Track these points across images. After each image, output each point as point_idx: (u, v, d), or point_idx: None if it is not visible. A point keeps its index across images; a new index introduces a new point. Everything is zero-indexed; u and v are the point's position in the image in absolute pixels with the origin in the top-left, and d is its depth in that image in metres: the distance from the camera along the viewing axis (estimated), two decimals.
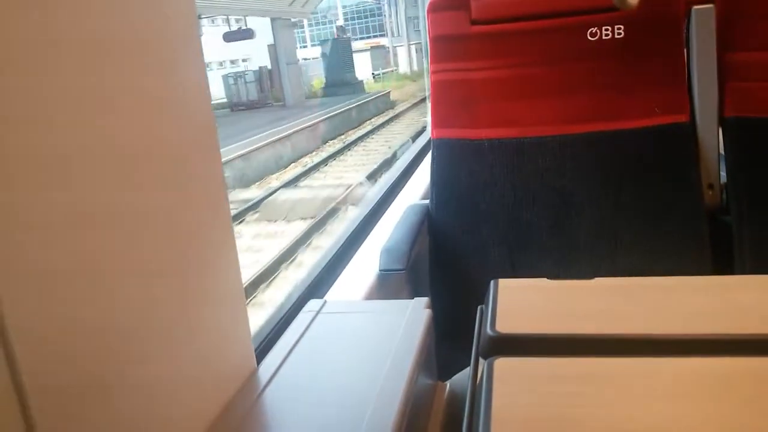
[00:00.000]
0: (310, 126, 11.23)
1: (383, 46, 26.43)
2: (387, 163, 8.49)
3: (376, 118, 14.25)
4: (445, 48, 1.17)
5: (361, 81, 18.14)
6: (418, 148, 2.03)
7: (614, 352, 0.47)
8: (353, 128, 12.88)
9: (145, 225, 0.43)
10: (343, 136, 12.02)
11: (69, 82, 0.37)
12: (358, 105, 14.36)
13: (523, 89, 1.13)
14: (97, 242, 0.38)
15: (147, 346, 0.43)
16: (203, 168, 0.51)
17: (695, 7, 1.14)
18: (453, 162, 1.17)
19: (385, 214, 1.37)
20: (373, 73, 22.28)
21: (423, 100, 14.70)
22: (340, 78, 17.51)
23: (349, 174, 8.59)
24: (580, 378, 0.44)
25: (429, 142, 1.24)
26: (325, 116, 12.27)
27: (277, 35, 14.68)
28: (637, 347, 0.48)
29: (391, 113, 14.65)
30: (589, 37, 1.09)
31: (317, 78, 18.94)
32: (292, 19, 15.41)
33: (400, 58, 23.37)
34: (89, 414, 0.38)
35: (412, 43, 23.83)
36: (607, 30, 1.08)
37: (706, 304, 0.52)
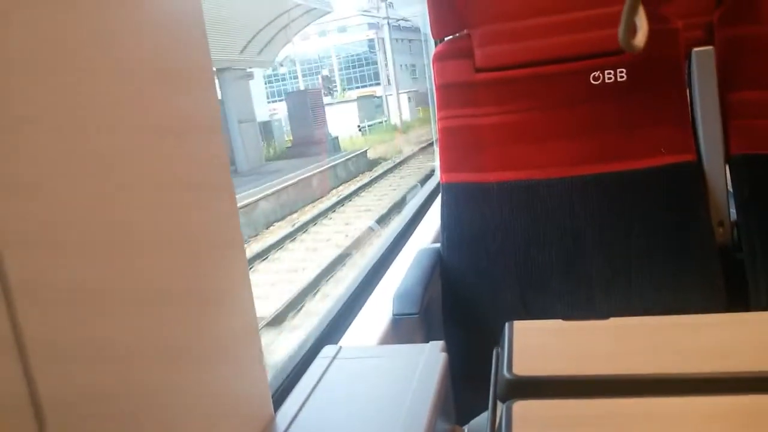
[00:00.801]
0: (247, 205, 7.94)
1: (373, 95, 25.06)
2: (330, 274, 5.45)
3: (345, 185, 11.27)
4: (452, 95, 1.19)
5: (336, 138, 15.54)
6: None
7: (632, 393, 0.46)
8: (309, 203, 9.64)
9: (159, 270, 0.44)
10: (294, 215, 8.85)
11: (103, 102, 0.38)
12: (326, 169, 11.45)
13: (529, 133, 1.15)
14: (113, 288, 0.39)
15: (160, 396, 0.43)
16: (218, 207, 0.52)
17: (695, 49, 1.17)
18: (462, 205, 1.18)
19: (396, 259, 1.38)
20: (359, 126, 19.80)
21: (413, 156, 13.77)
22: (309, 135, 15.03)
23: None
24: (598, 420, 0.44)
25: (438, 186, 1.25)
26: (276, 187, 9.06)
27: (225, 88, 11.85)
28: (655, 387, 0.47)
29: (367, 177, 11.86)
30: (593, 81, 1.12)
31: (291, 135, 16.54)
32: (248, 69, 12.76)
33: (393, 107, 22.08)
34: None
35: (403, 91, 23.07)
36: (609, 74, 1.11)
37: (722, 342, 0.52)
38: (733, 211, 1.14)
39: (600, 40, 1.10)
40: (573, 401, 0.46)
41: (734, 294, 1.07)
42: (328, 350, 0.68)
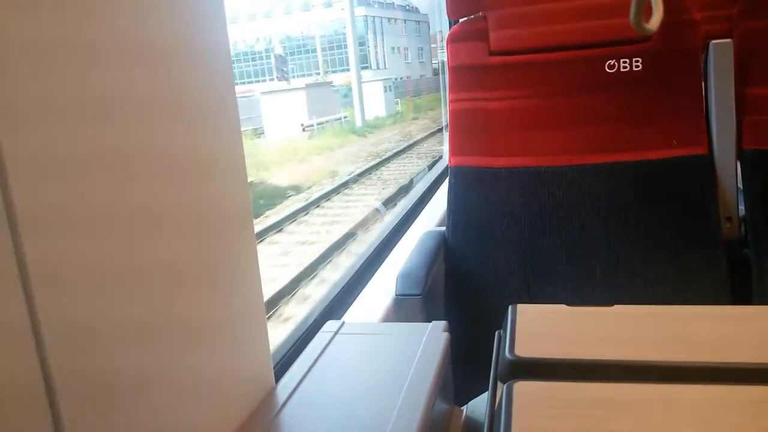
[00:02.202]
0: None
1: (329, 83, 19.07)
2: None
3: None
4: (464, 77, 1.19)
5: None
6: None
7: (633, 378, 0.47)
8: None
9: (168, 240, 0.44)
10: None
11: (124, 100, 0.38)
12: None
13: (541, 119, 1.15)
14: (123, 256, 0.39)
15: (165, 362, 0.43)
16: (230, 187, 0.52)
17: (713, 41, 1.15)
18: (470, 189, 1.18)
19: (401, 241, 1.38)
20: (303, 125, 13.54)
21: (351, 188, 7.41)
22: None
23: None
24: (598, 403, 0.44)
25: (446, 169, 1.25)
26: None
27: None
28: (655, 374, 0.48)
29: None
30: (608, 69, 1.11)
31: None
32: None
33: (373, 97, 16.99)
34: (111, 428, 0.38)
35: (375, 79, 19.12)
36: (625, 62, 1.10)
37: (725, 333, 0.52)
38: (742, 206, 1.13)
39: (617, 27, 1.09)
40: (573, 384, 0.46)
41: (739, 289, 1.07)
42: (330, 325, 0.69)
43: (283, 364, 0.69)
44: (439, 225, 1.40)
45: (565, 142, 1.14)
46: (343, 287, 1.13)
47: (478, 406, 0.69)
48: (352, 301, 1.05)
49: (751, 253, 1.10)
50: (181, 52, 0.45)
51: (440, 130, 11.05)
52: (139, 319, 0.40)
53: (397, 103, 19.12)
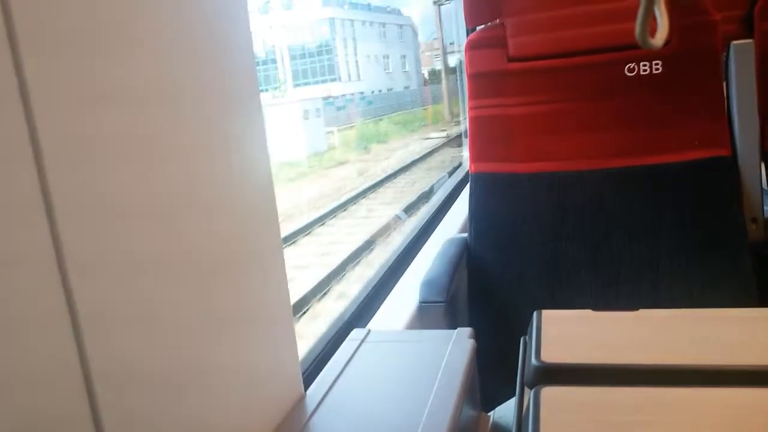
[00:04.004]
0: None
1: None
2: None
3: None
4: (483, 84, 1.19)
5: None
6: None
7: (660, 382, 0.47)
8: None
9: (198, 253, 0.45)
10: None
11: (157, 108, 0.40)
12: None
13: (561, 124, 1.15)
14: (155, 271, 0.41)
15: (198, 372, 0.45)
16: (256, 193, 0.53)
17: (734, 42, 1.15)
18: (491, 196, 1.18)
19: (423, 248, 1.39)
20: None
21: None
22: None
23: None
24: (626, 407, 0.44)
25: (467, 175, 1.26)
26: None
27: None
28: (682, 377, 0.48)
29: None
30: (627, 73, 1.10)
31: None
32: None
33: (294, 126, 11.91)
34: (146, 422, 0.39)
35: (302, 99, 13.93)
36: (645, 65, 1.09)
37: (752, 335, 0.52)
38: (767, 208, 1.12)
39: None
40: (601, 389, 0.46)
41: (765, 291, 1.05)
42: (356, 333, 0.70)
43: (310, 373, 0.69)
44: (461, 232, 1.40)
45: (586, 147, 1.14)
46: (366, 296, 1.14)
47: (505, 412, 0.69)
48: (376, 310, 1.06)
49: None
50: (204, 47, 0.47)
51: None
52: (169, 332, 0.42)
53: (332, 133, 14.65)
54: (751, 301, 1.04)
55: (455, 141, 12.73)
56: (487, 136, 1.19)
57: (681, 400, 0.44)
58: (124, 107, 0.38)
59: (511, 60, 1.16)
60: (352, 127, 17.13)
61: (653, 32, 0.68)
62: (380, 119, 18.77)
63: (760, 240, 1.11)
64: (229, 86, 0.49)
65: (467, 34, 1.28)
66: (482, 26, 1.21)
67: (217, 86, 0.48)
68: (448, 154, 11.92)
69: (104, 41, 0.37)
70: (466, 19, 1.21)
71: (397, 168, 10.26)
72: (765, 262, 1.08)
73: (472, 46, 1.19)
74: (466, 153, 1.29)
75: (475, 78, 1.20)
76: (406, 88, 25.31)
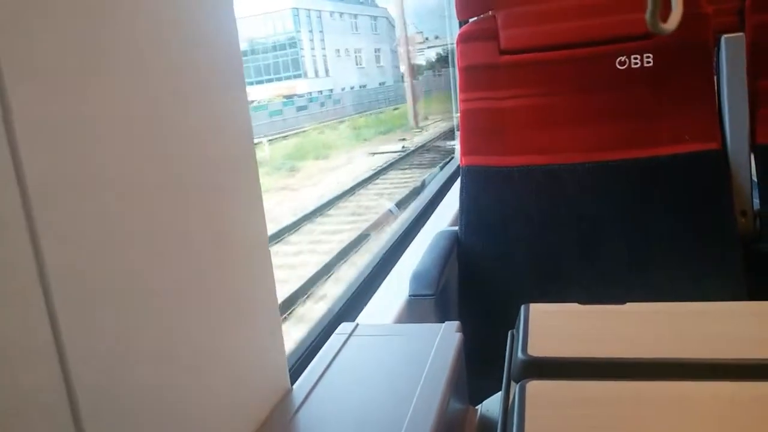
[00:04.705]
0: None
1: None
2: None
3: None
4: (475, 77, 1.19)
5: None
6: None
7: (646, 376, 0.47)
8: None
9: (184, 244, 0.45)
10: None
11: (127, 105, 0.39)
12: None
13: (552, 117, 1.15)
14: (140, 260, 0.40)
15: (182, 365, 0.44)
16: (241, 187, 0.53)
17: (725, 35, 1.15)
18: (482, 189, 1.18)
19: (414, 241, 1.38)
20: None
21: None
22: None
23: None
24: (612, 401, 0.44)
25: (458, 168, 1.25)
26: None
27: None
28: (669, 371, 0.48)
29: None
30: (618, 66, 1.10)
31: None
32: None
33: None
34: (127, 423, 0.39)
35: None
36: (636, 59, 1.09)
37: (739, 329, 0.52)
38: (756, 201, 1.12)
39: (627, 23, 1.08)
40: (587, 382, 0.46)
41: (755, 285, 1.06)
42: (344, 327, 0.69)
43: (298, 367, 0.69)
44: (452, 225, 1.40)
45: (577, 140, 1.13)
46: (356, 289, 1.14)
47: (492, 405, 0.69)
48: (366, 303, 1.05)
49: (766, 248, 1.09)
50: (191, 56, 0.46)
51: None
52: (153, 325, 0.41)
53: (260, 146, 10.40)
54: (740, 295, 1.04)
55: (416, 157, 9.87)
56: (478, 129, 1.19)
57: (668, 394, 0.44)
58: (106, 88, 0.37)
59: (502, 53, 1.16)
60: (287, 136, 13.74)
61: (664, 17, 0.67)
62: (342, 121, 15.92)
63: (749, 233, 1.11)
64: (215, 99, 0.49)
65: (459, 27, 1.28)
66: (474, 18, 1.20)
67: (210, 117, 0.48)
68: (398, 180, 8.14)
69: (88, 21, 0.36)
70: (457, 12, 1.21)
71: (305, 213, 6.55)
72: (754, 256, 1.09)
73: (463, 39, 1.18)
74: (457, 147, 1.28)
75: (467, 71, 1.19)
76: (381, 84, 23.15)
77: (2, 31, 0.31)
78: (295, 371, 0.61)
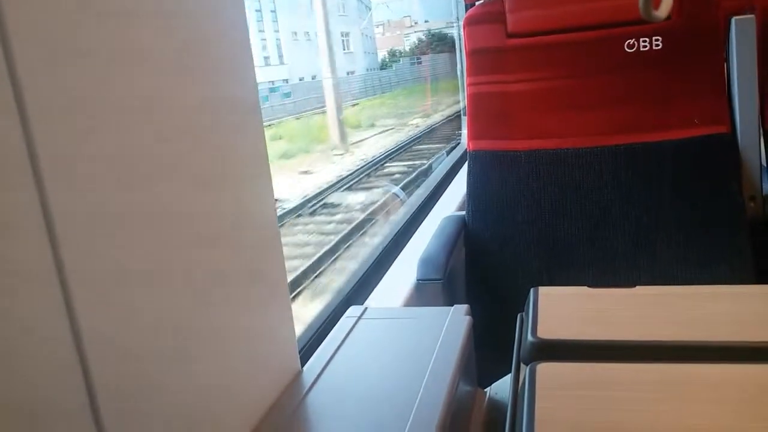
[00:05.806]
0: None
1: None
2: None
3: None
4: (482, 61, 1.18)
5: None
6: None
7: (655, 358, 0.47)
8: None
9: (196, 227, 0.45)
10: None
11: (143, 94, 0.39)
12: None
13: (559, 101, 1.14)
14: (153, 244, 0.40)
15: (196, 347, 0.45)
16: (251, 172, 0.53)
17: (735, 17, 1.13)
18: (489, 173, 1.18)
19: (421, 226, 1.39)
20: None
21: None
22: None
23: None
24: (621, 383, 0.45)
25: (465, 153, 1.25)
26: None
27: None
28: (678, 353, 0.48)
29: None
30: (627, 49, 1.09)
31: None
32: None
33: None
34: (146, 410, 0.40)
35: None
36: (644, 42, 1.08)
37: (748, 312, 0.52)
38: (766, 185, 1.12)
39: (636, 6, 1.07)
40: (596, 365, 0.47)
41: (763, 269, 1.05)
42: (353, 310, 0.70)
43: (307, 350, 0.70)
44: (459, 210, 1.40)
45: (585, 124, 1.13)
46: (364, 273, 1.14)
47: (501, 388, 0.69)
48: (374, 287, 1.06)
49: None
50: (203, 54, 0.46)
51: None
52: (168, 309, 0.41)
53: None
54: (748, 278, 1.04)
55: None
56: (485, 113, 1.18)
57: (677, 376, 0.45)
58: (113, 69, 0.37)
59: (510, 36, 1.15)
60: None
61: (656, 4, 0.67)
62: (270, 125, 10.83)
63: (758, 217, 1.11)
64: (230, 100, 0.49)
65: (466, 10, 1.27)
66: (481, 1, 1.19)
67: (220, 99, 0.48)
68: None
69: (104, 51, 0.36)
70: None
71: None
72: (763, 240, 1.08)
73: (470, 22, 1.17)
74: (464, 131, 1.28)
75: (474, 54, 1.19)
76: (349, 73, 19.79)
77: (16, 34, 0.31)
78: (305, 354, 0.62)
